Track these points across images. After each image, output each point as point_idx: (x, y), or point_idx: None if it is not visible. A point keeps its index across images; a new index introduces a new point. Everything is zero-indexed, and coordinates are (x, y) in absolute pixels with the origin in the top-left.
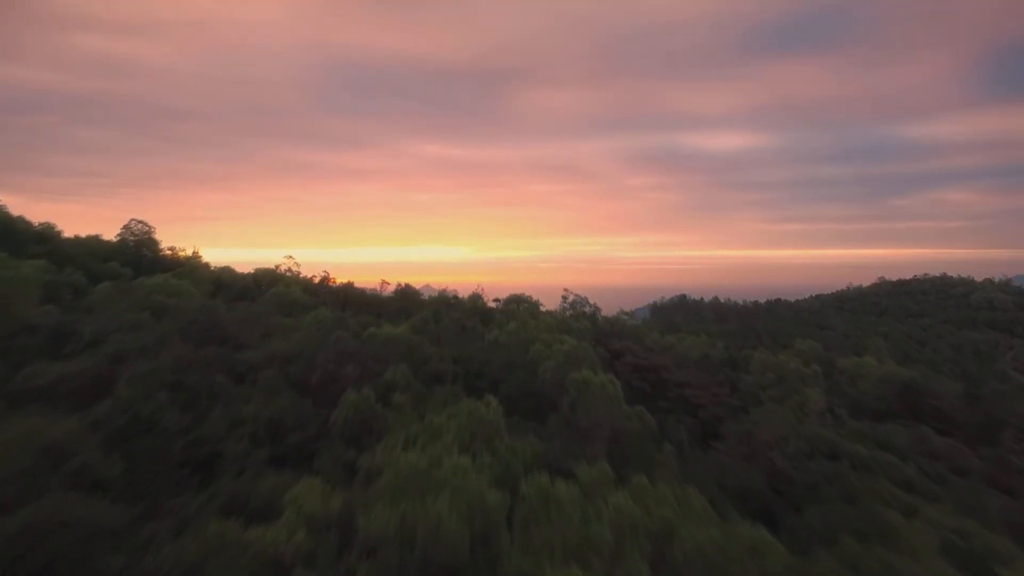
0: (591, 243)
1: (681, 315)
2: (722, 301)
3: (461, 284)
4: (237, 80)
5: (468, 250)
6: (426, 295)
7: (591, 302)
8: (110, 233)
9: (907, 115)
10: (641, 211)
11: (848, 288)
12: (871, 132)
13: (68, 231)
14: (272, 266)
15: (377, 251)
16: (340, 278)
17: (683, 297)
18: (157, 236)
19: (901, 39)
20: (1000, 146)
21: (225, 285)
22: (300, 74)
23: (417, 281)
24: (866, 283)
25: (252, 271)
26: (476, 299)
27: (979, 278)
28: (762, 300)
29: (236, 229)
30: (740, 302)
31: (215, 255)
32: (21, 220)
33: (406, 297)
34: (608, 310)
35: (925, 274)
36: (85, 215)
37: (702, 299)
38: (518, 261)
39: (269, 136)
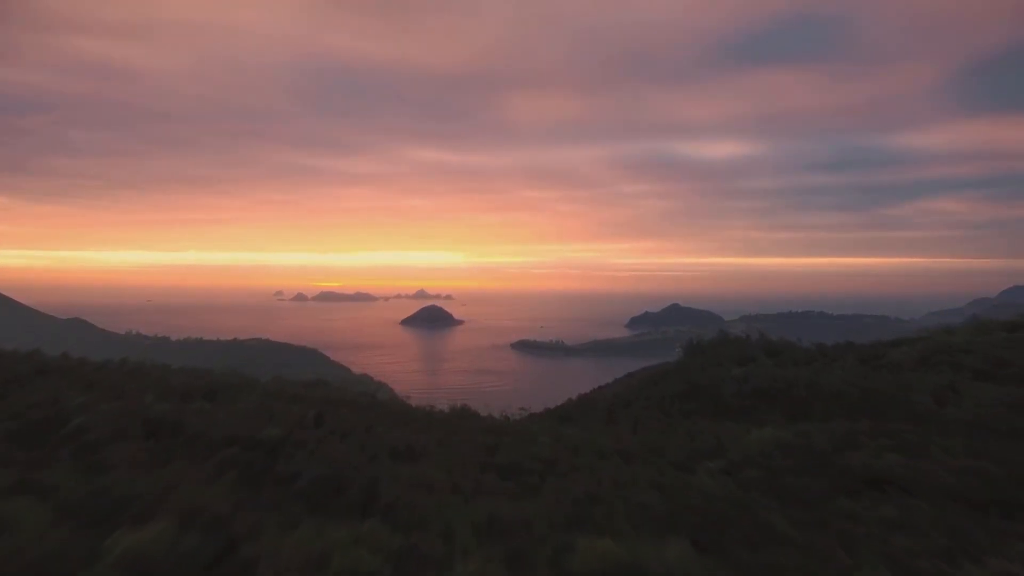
0: (585, 249)
1: (734, 362)
2: (773, 339)
3: (455, 289)
4: (232, 84)
5: (462, 255)
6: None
7: None
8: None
9: (898, 125)
10: (635, 218)
11: (922, 333)
12: (863, 142)
13: (63, 232)
14: None
15: (372, 255)
16: (332, 282)
17: (723, 333)
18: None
19: (892, 50)
20: (989, 157)
21: None
22: (294, 78)
23: (411, 286)
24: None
25: None
26: None
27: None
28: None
29: (230, 232)
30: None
31: (208, 258)
32: None
33: None
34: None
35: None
36: (79, 216)
37: (748, 336)
38: (512, 267)
39: (263, 140)
